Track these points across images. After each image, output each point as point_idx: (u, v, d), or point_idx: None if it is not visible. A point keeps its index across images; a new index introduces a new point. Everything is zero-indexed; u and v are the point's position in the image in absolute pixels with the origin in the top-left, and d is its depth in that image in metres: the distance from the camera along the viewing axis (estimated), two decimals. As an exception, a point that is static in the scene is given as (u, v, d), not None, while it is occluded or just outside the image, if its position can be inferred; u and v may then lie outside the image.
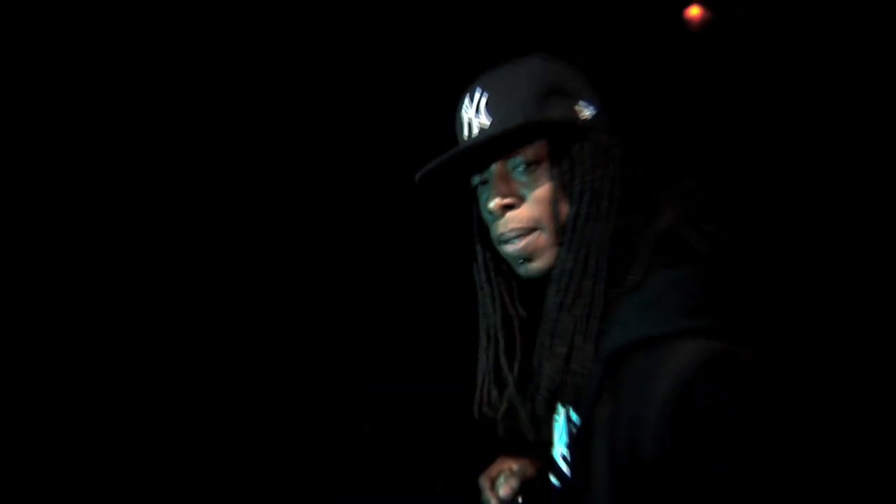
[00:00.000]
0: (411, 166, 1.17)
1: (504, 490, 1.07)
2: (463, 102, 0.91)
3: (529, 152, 0.85)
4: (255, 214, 4.08)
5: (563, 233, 0.82)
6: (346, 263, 4.33)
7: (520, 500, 1.06)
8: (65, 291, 3.38)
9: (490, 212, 0.88)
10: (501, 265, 0.95)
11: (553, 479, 0.91)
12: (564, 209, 0.83)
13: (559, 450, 0.90)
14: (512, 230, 0.86)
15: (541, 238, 0.85)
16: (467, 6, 3.67)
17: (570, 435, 0.82)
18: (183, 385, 3.70)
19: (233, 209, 4.00)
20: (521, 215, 0.86)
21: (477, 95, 0.89)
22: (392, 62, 3.89)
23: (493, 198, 0.87)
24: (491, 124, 0.86)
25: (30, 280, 3.26)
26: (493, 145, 0.84)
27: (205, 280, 3.89)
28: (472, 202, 0.95)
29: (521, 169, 0.86)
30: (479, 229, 0.96)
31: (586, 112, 0.87)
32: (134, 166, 3.61)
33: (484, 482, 1.09)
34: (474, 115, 0.88)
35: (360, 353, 4.27)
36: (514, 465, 1.10)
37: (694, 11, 3.51)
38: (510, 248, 0.88)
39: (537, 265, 0.87)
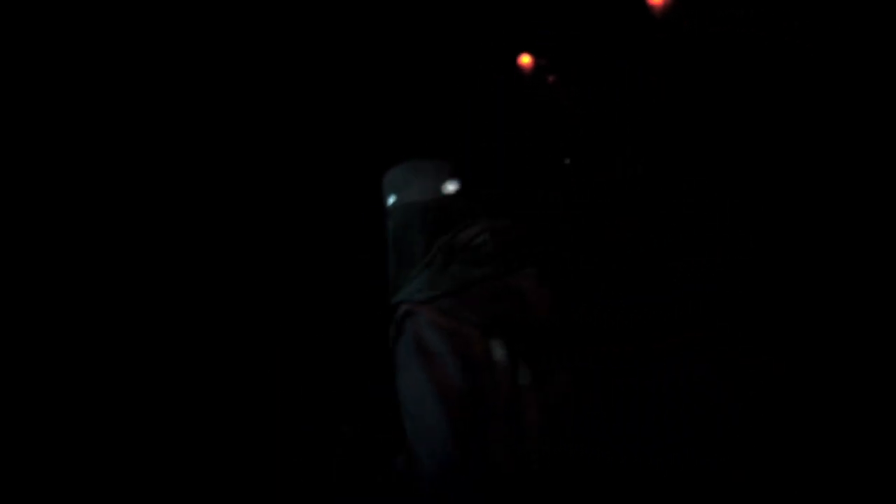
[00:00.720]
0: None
1: None
2: None
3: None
4: (256, 215, 4.09)
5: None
6: (346, 263, 4.35)
7: None
8: (66, 293, 3.39)
9: None
10: None
11: None
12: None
13: None
14: None
15: None
16: (470, 6, 3.68)
17: None
18: (183, 385, 3.71)
19: (233, 210, 4.02)
20: None
21: None
22: (392, 64, 3.90)
23: None
24: None
25: (30, 280, 3.27)
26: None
27: (205, 281, 3.90)
28: None
29: None
30: None
31: (391, 199, 1.66)
32: (134, 168, 3.62)
33: None
34: None
35: (359, 353, 4.28)
36: None
37: None
38: None
39: None
